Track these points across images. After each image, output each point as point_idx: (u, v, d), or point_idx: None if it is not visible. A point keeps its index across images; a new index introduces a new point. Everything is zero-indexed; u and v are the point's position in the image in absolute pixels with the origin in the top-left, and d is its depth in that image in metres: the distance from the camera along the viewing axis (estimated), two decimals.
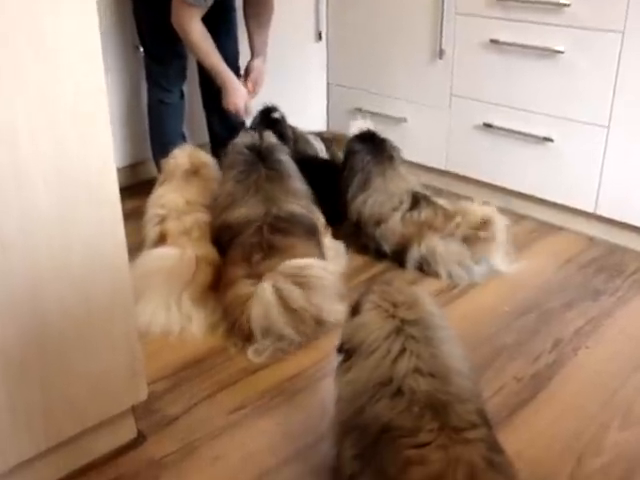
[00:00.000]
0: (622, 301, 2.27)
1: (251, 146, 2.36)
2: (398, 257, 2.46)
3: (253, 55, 2.89)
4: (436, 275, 2.39)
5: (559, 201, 2.74)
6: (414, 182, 2.60)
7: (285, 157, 2.38)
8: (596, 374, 1.93)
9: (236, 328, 2.00)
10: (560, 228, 2.77)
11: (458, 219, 2.40)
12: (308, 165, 2.68)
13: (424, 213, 2.45)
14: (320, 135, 3.13)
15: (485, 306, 2.25)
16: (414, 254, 2.41)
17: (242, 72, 2.91)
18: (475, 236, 2.36)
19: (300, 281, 2.00)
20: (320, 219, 2.43)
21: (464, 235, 2.37)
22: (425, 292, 1.50)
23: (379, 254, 2.51)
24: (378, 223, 2.48)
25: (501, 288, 2.35)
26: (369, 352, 1.37)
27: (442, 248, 2.37)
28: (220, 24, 2.76)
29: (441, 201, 2.56)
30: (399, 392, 1.31)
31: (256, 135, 2.48)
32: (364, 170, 2.53)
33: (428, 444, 1.24)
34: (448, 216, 2.44)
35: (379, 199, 2.49)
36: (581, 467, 1.61)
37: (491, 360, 1.98)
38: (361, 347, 1.39)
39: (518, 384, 1.88)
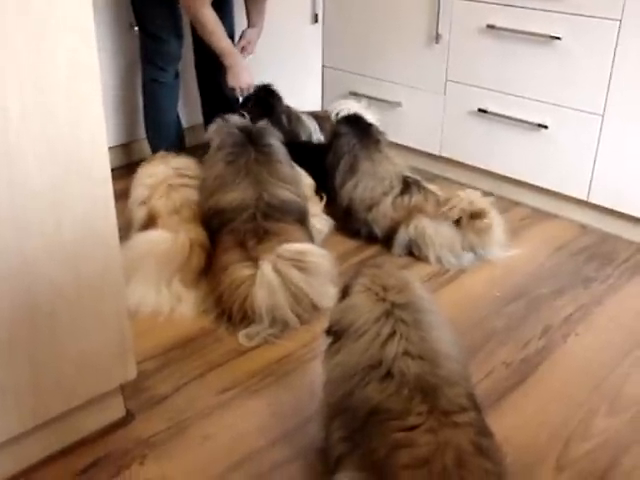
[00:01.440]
0: (613, 289, 2.28)
1: (242, 127, 2.34)
2: (389, 241, 2.46)
3: (249, 25, 2.94)
4: (426, 259, 2.39)
5: (552, 188, 2.74)
6: (402, 166, 2.60)
7: (275, 141, 2.36)
8: (585, 361, 1.94)
9: (234, 311, 1.99)
10: (553, 215, 2.77)
11: (453, 202, 2.40)
12: (301, 149, 2.68)
13: (415, 198, 2.45)
14: (314, 114, 3.12)
15: (476, 291, 2.26)
16: (402, 236, 2.41)
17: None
18: (470, 225, 2.36)
19: (299, 265, 2.01)
20: (311, 190, 2.49)
21: (457, 220, 2.37)
22: (415, 276, 1.50)
23: (370, 238, 2.51)
24: (369, 208, 2.48)
25: (492, 273, 2.36)
26: (358, 335, 1.37)
27: (432, 230, 2.37)
28: (221, 4, 2.75)
29: (432, 187, 2.56)
30: (389, 375, 1.31)
31: (247, 117, 2.47)
32: (350, 153, 2.54)
33: (417, 427, 1.24)
34: (440, 202, 2.44)
35: (370, 184, 2.49)
36: (568, 452, 1.62)
37: (481, 345, 1.99)
38: (350, 330, 1.39)
39: (507, 369, 1.89)
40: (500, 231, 2.43)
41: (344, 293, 1.46)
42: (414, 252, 2.42)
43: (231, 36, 2.90)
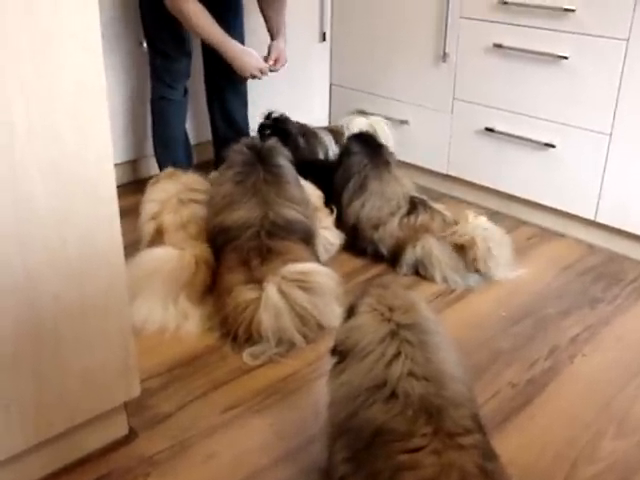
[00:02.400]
0: (620, 309, 2.26)
1: (251, 146, 2.34)
2: (395, 260, 2.46)
3: (272, 37, 2.91)
4: (432, 279, 2.38)
5: (559, 207, 2.73)
6: (410, 186, 2.60)
7: (284, 162, 2.35)
8: (592, 382, 1.92)
9: (240, 333, 1.98)
10: (560, 234, 2.76)
11: (454, 228, 2.41)
12: (311, 166, 2.69)
13: (421, 217, 2.45)
14: (329, 129, 3.13)
15: (482, 311, 2.25)
16: (409, 256, 2.40)
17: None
18: (465, 251, 2.37)
19: (303, 285, 2.00)
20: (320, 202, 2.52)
21: (456, 244, 2.38)
22: (421, 297, 1.49)
23: (376, 257, 2.50)
24: (376, 227, 2.48)
25: (499, 293, 2.35)
26: (363, 355, 1.36)
27: (438, 250, 2.36)
28: (226, 21, 2.74)
29: (439, 206, 2.56)
30: (393, 395, 1.30)
31: (258, 138, 2.48)
32: (360, 173, 2.53)
33: (421, 449, 1.23)
34: (446, 221, 2.45)
35: (377, 203, 2.49)
36: (575, 474, 1.60)
37: (487, 365, 1.97)
38: (355, 350, 1.38)
39: (513, 390, 1.88)
40: (502, 255, 2.41)
41: (349, 313, 1.46)
42: (420, 272, 2.41)
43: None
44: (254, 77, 2.79)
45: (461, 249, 2.37)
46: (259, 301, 1.96)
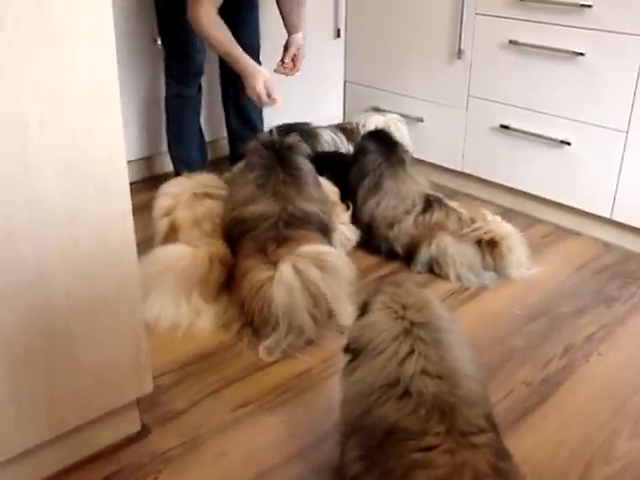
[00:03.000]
0: (636, 308, 2.24)
1: (269, 145, 2.31)
2: (410, 258, 2.45)
3: (289, 33, 2.86)
4: (446, 277, 2.37)
5: (575, 205, 2.71)
6: (425, 184, 2.59)
7: (304, 162, 2.33)
8: (607, 381, 1.90)
9: (256, 316, 1.97)
10: (575, 233, 2.74)
11: (476, 224, 2.40)
12: (329, 162, 2.69)
13: (436, 215, 2.44)
14: (340, 126, 3.12)
15: (497, 309, 2.23)
16: (424, 254, 2.39)
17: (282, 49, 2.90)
18: (488, 249, 2.36)
19: (318, 264, 1.99)
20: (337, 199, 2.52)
21: (478, 240, 2.36)
22: (435, 295, 1.48)
23: (391, 255, 2.49)
24: (391, 225, 2.47)
25: (513, 291, 2.33)
26: (376, 353, 1.35)
27: (453, 249, 2.35)
28: (240, 16, 2.74)
29: (454, 203, 2.55)
30: (406, 394, 1.29)
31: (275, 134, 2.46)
32: (375, 172, 2.52)
33: (434, 448, 1.22)
34: (462, 219, 2.44)
35: (392, 202, 2.48)
36: (589, 475, 1.58)
37: (501, 364, 1.96)
38: (368, 347, 1.37)
39: (527, 388, 1.86)
40: (521, 252, 2.40)
41: (363, 310, 1.45)
42: (434, 270, 2.40)
43: (255, 49, 2.89)
44: (252, 97, 2.69)
45: (488, 245, 2.35)
46: (273, 279, 1.96)
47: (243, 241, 2.17)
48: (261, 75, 2.62)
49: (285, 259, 1.99)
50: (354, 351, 1.41)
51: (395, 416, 1.27)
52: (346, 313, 2.02)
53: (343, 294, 2.05)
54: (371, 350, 1.36)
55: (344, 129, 3.10)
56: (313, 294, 1.96)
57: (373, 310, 1.41)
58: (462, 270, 2.35)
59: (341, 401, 1.43)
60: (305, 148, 2.40)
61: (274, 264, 2.00)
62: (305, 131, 2.92)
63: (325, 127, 3.06)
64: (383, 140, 2.63)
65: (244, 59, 2.62)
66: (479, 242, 2.37)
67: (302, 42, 2.86)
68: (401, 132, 3.07)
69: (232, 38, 2.58)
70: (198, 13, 2.49)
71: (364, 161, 2.57)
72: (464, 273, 2.35)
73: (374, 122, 3.07)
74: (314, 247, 2.07)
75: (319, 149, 2.92)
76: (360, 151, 2.63)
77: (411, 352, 1.32)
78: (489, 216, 2.43)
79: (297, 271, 1.96)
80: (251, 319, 2.00)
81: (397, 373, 1.31)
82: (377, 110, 3.22)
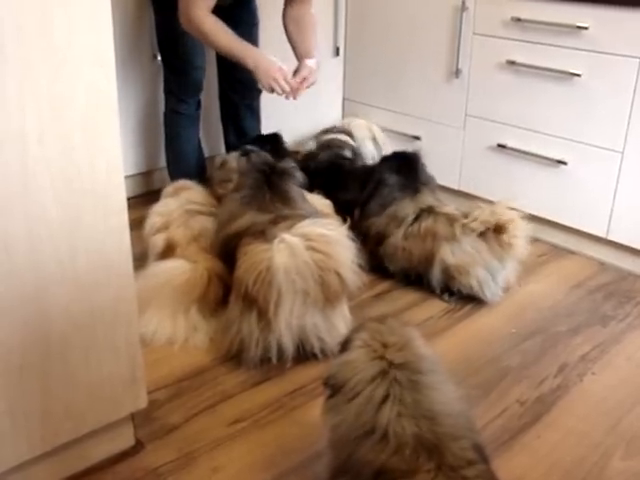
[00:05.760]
0: (631, 328, 2.25)
1: (261, 169, 2.26)
2: (406, 277, 2.45)
3: (302, 57, 2.70)
4: (469, 289, 2.33)
5: (571, 225, 2.72)
6: (429, 201, 2.51)
7: (293, 187, 2.27)
8: (601, 401, 1.90)
9: (256, 291, 1.85)
10: (571, 252, 2.75)
11: (474, 214, 2.34)
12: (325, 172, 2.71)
13: (424, 223, 2.38)
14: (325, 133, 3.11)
15: (492, 327, 2.24)
16: (435, 281, 2.37)
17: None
18: (496, 235, 2.30)
19: (322, 226, 1.92)
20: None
21: (482, 232, 2.31)
22: (418, 333, 1.43)
23: (387, 272, 2.49)
24: (380, 242, 2.45)
25: (508, 310, 2.34)
26: (353, 395, 1.32)
27: (456, 256, 2.31)
28: (238, 33, 2.72)
29: (447, 208, 2.47)
30: (385, 438, 1.26)
31: (268, 157, 2.42)
32: (391, 206, 2.47)
33: None
34: (452, 218, 2.37)
35: (384, 220, 2.46)
36: None
37: (495, 382, 1.96)
38: (345, 387, 1.34)
39: (521, 407, 1.87)
40: (524, 238, 2.33)
41: (344, 347, 1.42)
42: (452, 287, 2.36)
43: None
44: (273, 91, 2.58)
45: (494, 233, 2.30)
46: (272, 249, 1.86)
47: (240, 246, 2.07)
48: (276, 68, 2.51)
49: (286, 232, 1.91)
50: (333, 387, 1.38)
51: (380, 459, 1.25)
52: (351, 280, 1.93)
53: (348, 260, 1.93)
54: (348, 390, 1.33)
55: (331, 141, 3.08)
56: (318, 253, 1.86)
57: (353, 347, 1.38)
58: (478, 271, 2.30)
59: (327, 443, 1.40)
60: (299, 176, 2.35)
61: (273, 239, 1.90)
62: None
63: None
64: (404, 167, 2.56)
65: (254, 53, 2.53)
66: (482, 233, 2.31)
67: (315, 67, 2.69)
68: (381, 137, 3.13)
69: (234, 34, 2.49)
70: (193, 16, 2.43)
71: (380, 191, 2.51)
72: (482, 275, 2.31)
73: (359, 127, 3.11)
74: (314, 220, 1.99)
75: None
76: (378, 181, 2.54)
77: (386, 396, 1.29)
78: (483, 206, 2.38)
79: (299, 234, 1.87)
80: (254, 299, 1.87)
81: (373, 420, 1.28)
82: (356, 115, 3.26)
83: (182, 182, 2.60)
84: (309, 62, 2.69)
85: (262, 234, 2.00)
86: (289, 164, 2.35)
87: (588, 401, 1.90)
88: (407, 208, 2.45)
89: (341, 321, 1.99)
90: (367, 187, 2.55)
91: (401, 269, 2.45)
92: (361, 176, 2.66)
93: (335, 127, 3.17)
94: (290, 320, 1.89)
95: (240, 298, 1.92)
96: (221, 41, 2.50)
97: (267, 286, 1.84)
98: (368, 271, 2.48)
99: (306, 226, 1.94)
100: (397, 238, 2.42)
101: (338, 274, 1.89)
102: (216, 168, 2.73)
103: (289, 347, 1.92)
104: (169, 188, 2.57)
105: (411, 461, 1.23)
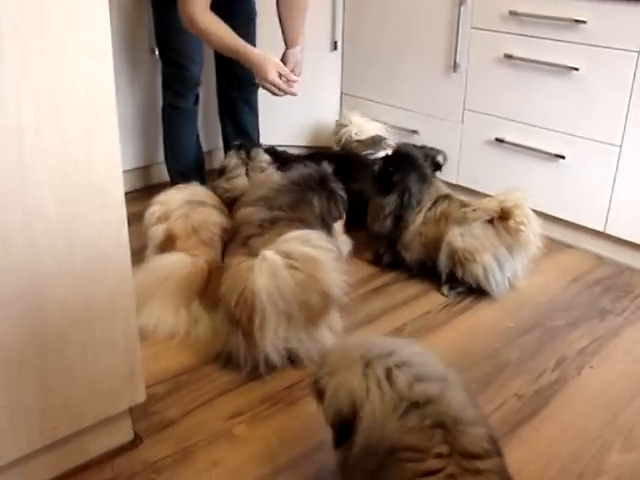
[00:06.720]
0: (629, 322, 2.25)
1: (315, 175, 2.22)
2: (422, 267, 2.45)
3: (287, 46, 2.75)
4: (475, 278, 2.32)
5: (569, 219, 2.73)
6: (444, 189, 2.53)
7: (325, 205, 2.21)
8: (599, 394, 1.91)
9: (240, 314, 1.82)
10: (569, 246, 2.76)
11: (483, 200, 2.35)
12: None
13: (440, 207, 2.39)
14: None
15: (490, 321, 2.24)
16: (443, 267, 2.36)
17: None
18: (503, 222, 2.28)
19: (303, 242, 1.88)
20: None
21: (489, 219, 2.30)
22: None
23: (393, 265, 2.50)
24: (403, 230, 2.44)
25: (507, 304, 2.34)
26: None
27: (466, 239, 2.30)
28: (236, 28, 2.71)
29: (460, 197, 2.48)
30: (409, 409, 1.27)
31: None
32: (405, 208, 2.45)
33: (436, 472, 1.19)
34: (464, 204, 2.38)
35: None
36: None
37: (493, 376, 1.97)
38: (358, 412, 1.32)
39: (519, 401, 1.87)
40: (536, 223, 2.32)
41: (320, 394, 1.40)
42: (458, 275, 2.34)
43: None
44: (268, 89, 2.59)
45: (501, 218, 2.28)
46: (253, 266, 1.81)
47: (231, 242, 2.09)
48: (271, 63, 2.53)
49: (268, 247, 1.86)
50: (343, 425, 1.35)
51: (398, 433, 1.25)
52: (337, 295, 1.90)
53: (332, 279, 1.88)
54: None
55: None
56: (300, 272, 1.81)
57: (329, 388, 1.37)
58: (485, 258, 2.29)
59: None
60: (341, 199, 2.27)
61: (256, 254, 1.86)
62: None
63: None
64: (408, 165, 2.52)
65: (249, 50, 2.54)
66: (490, 221, 2.30)
67: (300, 57, 2.76)
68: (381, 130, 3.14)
69: (232, 31, 2.51)
70: (192, 13, 2.43)
71: (411, 204, 2.46)
72: (489, 263, 2.30)
73: (359, 125, 3.11)
74: (297, 232, 1.93)
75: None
76: (397, 183, 2.47)
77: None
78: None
79: (281, 253, 1.82)
80: (237, 320, 1.85)
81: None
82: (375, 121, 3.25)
83: (181, 186, 2.58)
84: (293, 52, 2.72)
85: (246, 247, 1.97)
86: (339, 186, 2.28)
87: (586, 395, 1.91)
88: (426, 198, 2.45)
89: (327, 334, 1.97)
90: (391, 196, 2.48)
91: (417, 258, 2.44)
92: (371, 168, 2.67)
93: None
94: (275, 340, 1.86)
95: (226, 315, 1.90)
96: (215, 40, 2.51)
97: (249, 308, 1.81)
98: (370, 263, 2.51)
99: (290, 240, 1.89)
100: (416, 225, 2.41)
101: (322, 293, 1.86)
102: (219, 174, 2.74)
103: (277, 362, 1.89)
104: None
105: (426, 438, 1.22)
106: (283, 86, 2.56)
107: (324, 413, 1.38)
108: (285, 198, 2.16)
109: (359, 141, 3.05)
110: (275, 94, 2.60)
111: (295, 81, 2.59)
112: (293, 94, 2.62)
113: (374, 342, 1.41)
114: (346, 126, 3.13)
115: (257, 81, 2.62)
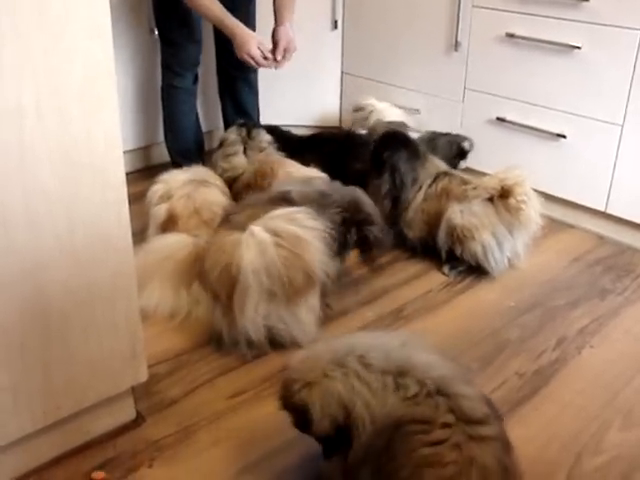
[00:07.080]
0: (629, 301, 2.26)
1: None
2: (423, 246, 2.45)
3: (277, 22, 2.77)
4: (474, 255, 2.32)
5: (570, 198, 2.72)
6: (443, 166, 2.53)
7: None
8: (599, 374, 1.92)
9: (219, 285, 1.82)
10: (570, 226, 2.75)
11: (484, 178, 2.35)
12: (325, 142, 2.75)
13: (441, 184, 2.40)
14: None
15: (490, 301, 2.25)
16: (442, 245, 2.36)
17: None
18: (503, 200, 2.28)
19: (293, 223, 1.85)
20: None
21: (489, 197, 2.29)
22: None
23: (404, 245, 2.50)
24: (405, 209, 2.44)
25: (507, 283, 2.34)
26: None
27: (465, 216, 2.30)
28: (236, 8, 2.71)
29: (460, 173, 2.48)
30: (397, 379, 1.29)
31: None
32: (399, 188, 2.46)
33: (443, 442, 1.20)
34: (466, 181, 2.38)
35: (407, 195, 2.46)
36: (579, 466, 1.60)
37: (494, 355, 1.97)
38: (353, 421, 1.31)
39: (520, 380, 1.88)
40: (536, 202, 2.31)
41: (297, 409, 1.40)
42: (457, 253, 2.34)
43: None
44: (247, 62, 2.67)
45: (502, 196, 2.27)
46: (240, 240, 1.78)
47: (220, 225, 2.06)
48: (254, 39, 2.63)
49: (255, 223, 1.83)
50: (340, 432, 1.34)
51: (402, 408, 1.26)
52: (321, 276, 1.87)
53: (317, 258, 1.85)
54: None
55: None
56: (287, 250, 1.79)
57: (312, 406, 1.36)
58: (484, 236, 2.29)
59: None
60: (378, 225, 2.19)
61: (241, 229, 1.82)
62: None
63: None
64: (404, 148, 2.51)
65: (233, 23, 2.62)
66: (490, 199, 2.30)
67: (291, 34, 2.76)
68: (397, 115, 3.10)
69: (222, 7, 2.59)
70: None
71: (391, 177, 2.47)
72: (487, 241, 2.29)
73: (383, 111, 3.07)
74: (284, 209, 1.90)
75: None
76: (391, 168, 2.47)
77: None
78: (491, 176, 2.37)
79: (268, 229, 1.80)
80: (216, 294, 1.85)
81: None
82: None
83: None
84: (284, 29, 2.75)
85: (228, 223, 1.94)
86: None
87: (586, 374, 1.91)
88: (423, 174, 2.45)
89: (308, 313, 1.95)
90: (383, 178, 2.49)
91: (420, 235, 2.45)
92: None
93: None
94: (255, 317, 1.85)
95: (209, 290, 1.89)
96: (205, 10, 2.58)
97: (231, 283, 1.79)
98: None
99: (276, 218, 1.85)
100: (417, 202, 2.42)
101: (306, 273, 1.83)
102: (217, 148, 2.75)
103: (257, 340, 1.89)
104: None
105: (431, 409, 1.23)
106: (261, 61, 2.67)
107: (314, 427, 1.36)
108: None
109: (390, 122, 3.02)
110: (253, 65, 2.70)
111: (278, 61, 2.71)
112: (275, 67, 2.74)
113: (335, 344, 1.41)
114: (371, 111, 3.09)
115: (236, 53, 2.66)
